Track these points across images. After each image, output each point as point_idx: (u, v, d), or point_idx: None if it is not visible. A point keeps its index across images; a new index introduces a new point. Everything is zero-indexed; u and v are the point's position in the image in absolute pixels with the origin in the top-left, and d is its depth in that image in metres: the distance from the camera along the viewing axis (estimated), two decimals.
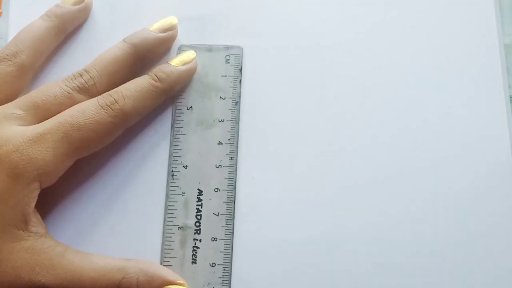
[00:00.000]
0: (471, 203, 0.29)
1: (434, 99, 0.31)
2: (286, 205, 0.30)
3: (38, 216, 0.27)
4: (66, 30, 0.32)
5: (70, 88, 0.28)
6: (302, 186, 0.30)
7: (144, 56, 0.31)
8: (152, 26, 0.31)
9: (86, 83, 0.29)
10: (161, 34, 0.31)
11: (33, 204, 0.26)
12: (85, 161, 0.28)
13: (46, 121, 0.27)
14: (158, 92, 0.30)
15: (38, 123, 0.27)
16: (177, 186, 0.30)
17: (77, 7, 0.32)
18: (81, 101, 0.28)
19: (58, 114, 0.27)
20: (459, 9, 0.33)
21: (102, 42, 0.32)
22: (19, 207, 0.25)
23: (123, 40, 0.31)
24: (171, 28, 0.32)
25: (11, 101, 0.29)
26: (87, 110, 0.27)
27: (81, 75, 0.29)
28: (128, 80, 0.30)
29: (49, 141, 0.26)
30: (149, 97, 0.29)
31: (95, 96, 0.29)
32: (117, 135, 0.29)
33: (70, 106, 0.28)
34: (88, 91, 0.29)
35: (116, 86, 0.30)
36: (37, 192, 0.26)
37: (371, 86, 0.32)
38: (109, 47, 0.31)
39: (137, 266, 0.27)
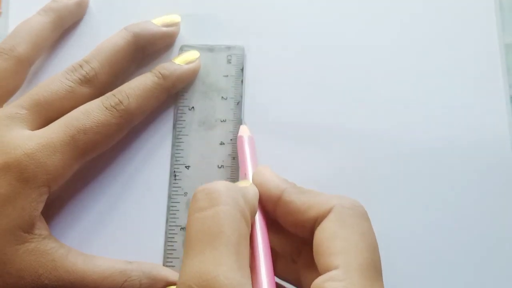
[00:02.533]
0: (471, 203, 0.30)
1: (435, 99, 0.31)
2: None
3: (42, 218, 0.27)
4: (63, 25, 0.32)
5: (71, 81, 0.28)
6: (305, 186, 0.30)
7: (144, 47, 0.31)
8: (155, 20, 0.31)
9: (88, 74, 0.29)
10: (163, 28, 0.31)
11: (40, 208, 0.26)
12: (87, 163, 0.28)
13: (52, 124, 0.27)
14: (161, 90, 0.30)
15: (43, 121, 0.27)
16: (179, 187, 0.30)
17: (73, 1, 0.32)
18: (83, 93, 0.28)
19: (64, 117, 0.27)
20: (459, 9, 0.33)
21: (101, 39, 0.31)
22: (27, 210, 0.25)
23: (124, 28, 0.31)
24: (173, 25, 0.32)
25: (9, 95, 0.29)
26: (92, 113, 0.27)
27: (81, 66, 0.29)
28: (130, 70, 0.30)
29: (56, 145, 0.26)
30: (152, 95, 0.29)
31: (97, 87, 0.29)
32: (122, 135, 0.29)
33: (72, 100, 0.28)
34: (90, 82, 0.29)
35: (118, 76, 0.30)
36: (45, 196, 0.26)
37: (372, 85, 0.32)
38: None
39: (139, 269, 0.27)
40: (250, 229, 0.22)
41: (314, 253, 0.22)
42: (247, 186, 0.24)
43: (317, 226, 0.22)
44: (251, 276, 0.21)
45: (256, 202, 0.24)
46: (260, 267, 0.22)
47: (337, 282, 0.20)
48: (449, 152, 0.30)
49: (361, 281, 0.20)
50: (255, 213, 0.24)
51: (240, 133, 0.30)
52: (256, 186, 0.25)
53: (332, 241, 0.21)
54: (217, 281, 0.19)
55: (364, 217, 0.23)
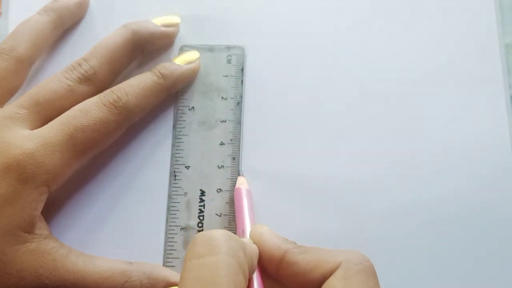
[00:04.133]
0: (471, 203, 0.30)
1: (434, 99, 0.31)
2: (288, 205, 0.30)
3: (42, 218, 0.27)
4: (63, 25, 0.32)
5: (70, 80, 0.28)
6: (305, 186, 0.30)
7: (143, 46, 0.31)
8: (154, 20, 0.31)
9: (87, 73, 0.29)
10: (162, 28, 0.31)
11: (40, 208, 0.26)
12: (87, 163, 0.28)
13: (51, 123, 0.27)
14: (160, 89, 0.30)
15: (43, 120, 0.27)
16: (179, 187, 0.30)
17: (74, 1, 0.32)
18: (83, 92, 0.28)
19: (62, 115, 0.27)
20: (459, 9, 0.33)
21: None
22: (27, 210, 0.25)
23: (123, 25, 0.31)
24: (173, 26, 0.32)
25: (9, 95, 0.29)
26: (90, 110, 0.27)
27: (80, 65, 0.29)
28: (129, 69, 0.30)
29: (55, 144, 0.26)
30: (151, 94, 0.29)
31: (96, 85, 0.29)
32: (121, 133, 0.29)
33: (72, 99, 0.28)
34: (89, 81, 0.29)
35: (117, 74, 0.30)
36: (45, 196, 0.26)
37: (372, 85, 0.32)
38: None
39: (140, 270, 0.27)
40: (247, 285, 0.21)
41: None
42: (247, 242, 0.23)
43: (323, 283, 0.22)
44: None
45: (255, 260, 0.23)
46: None
47: None
48: (449, 152, 0.30)
49: None
50: (254, 271, 0.23)
51: (237, 185, 0.29)
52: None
53: None
54: None
55: (371, 273, 0.22)
